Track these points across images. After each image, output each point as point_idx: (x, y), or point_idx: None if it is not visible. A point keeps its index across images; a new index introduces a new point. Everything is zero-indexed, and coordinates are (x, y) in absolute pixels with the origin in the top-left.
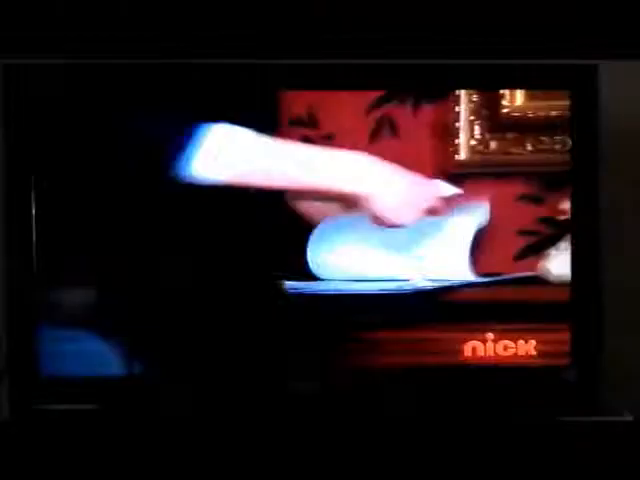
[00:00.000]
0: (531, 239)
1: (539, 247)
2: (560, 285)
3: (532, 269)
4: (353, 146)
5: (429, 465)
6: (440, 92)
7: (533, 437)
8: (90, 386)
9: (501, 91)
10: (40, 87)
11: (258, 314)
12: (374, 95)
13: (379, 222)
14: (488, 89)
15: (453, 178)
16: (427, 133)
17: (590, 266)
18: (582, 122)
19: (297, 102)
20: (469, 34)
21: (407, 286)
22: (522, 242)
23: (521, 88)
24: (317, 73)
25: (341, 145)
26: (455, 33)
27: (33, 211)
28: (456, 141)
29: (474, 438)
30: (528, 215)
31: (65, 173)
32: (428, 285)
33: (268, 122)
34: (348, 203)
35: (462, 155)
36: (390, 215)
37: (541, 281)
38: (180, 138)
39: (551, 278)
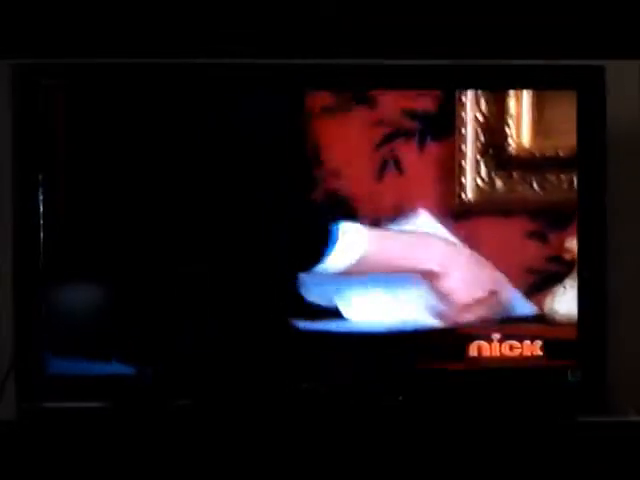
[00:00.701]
0: (538, 277)
1: (546, 285)
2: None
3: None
4: (358, 183)
5: (435, 464)
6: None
7: (539, 437)
8: (97, 384)
9: (507, 130)
10: (49, 86)
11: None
12: (381, 132)
13: (443, 297)
14: (492, 89)
15: (459, 216)
16: (433, 171)
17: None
18: (588, 130)
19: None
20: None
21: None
22: (529, 280)
23: (524, 88)
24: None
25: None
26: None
27: (41, 209)
28: (462, 179)
29: (478, 436)
30: (535, 253)
31: (76, 175)
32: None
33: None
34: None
35: (468, 194)
36: (456, 293)
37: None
38: None
39: (557, 317)
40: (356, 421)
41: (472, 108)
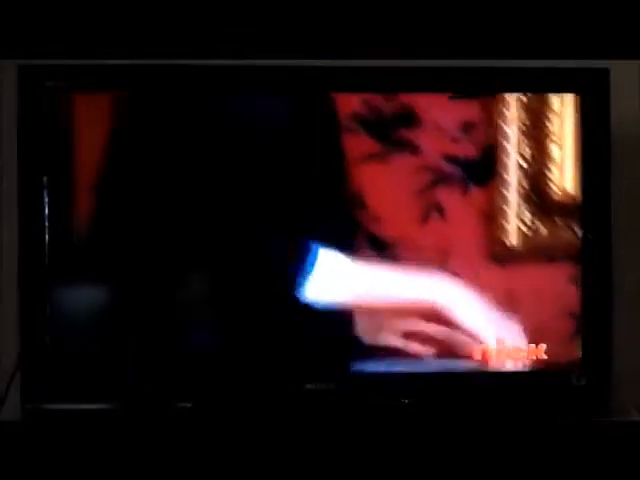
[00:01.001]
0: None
1: None
2: None
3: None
4: (402, 229)
5: (440, 466)
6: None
7: (542, 438)
8: (100, 386)
9: (549, 174)
10: (55, 87)
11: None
12: (423, 178)
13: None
14: (493, 91)
15: (501, 261)
16: (475, 217)
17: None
18: (592, 133)
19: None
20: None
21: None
22: (570, 325)
23: (527, 92)
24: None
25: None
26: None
27: (46, 211)
28: (504, 225)
29: (482, 439)
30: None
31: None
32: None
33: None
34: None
35: (510, 239)
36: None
37: None
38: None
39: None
40: (360, 423)
41: (514, 153)
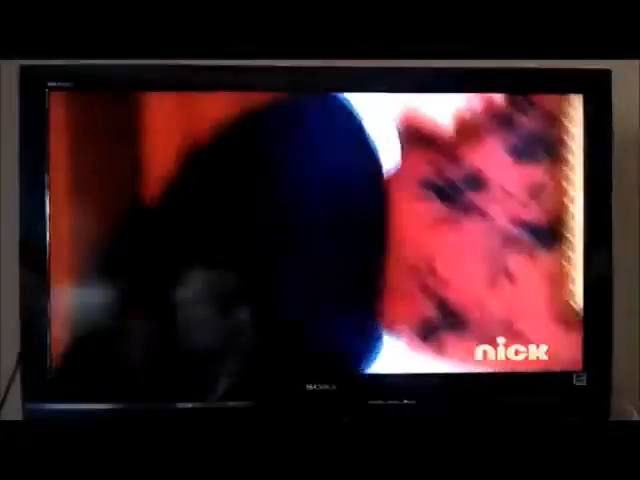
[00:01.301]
0: None
1: None
2: None
3: None
4: (470, 294)
5: (439, 467)
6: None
7: (543, 438)
8: (101, 385)
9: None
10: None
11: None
12: (491, 242)
13: None
14: (496, 92)
15: (570, 325)
16: (543, 280)
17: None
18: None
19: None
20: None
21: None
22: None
23: (529, 93)
24: None
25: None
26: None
27: (47, 211)
28: (572, 288)
29: (486, 438)
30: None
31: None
32: None
33: None
34: None
35: (579, 302)
36: None
37: None
38: None
39: None
40: (360, 424)
41: (580, 216)
